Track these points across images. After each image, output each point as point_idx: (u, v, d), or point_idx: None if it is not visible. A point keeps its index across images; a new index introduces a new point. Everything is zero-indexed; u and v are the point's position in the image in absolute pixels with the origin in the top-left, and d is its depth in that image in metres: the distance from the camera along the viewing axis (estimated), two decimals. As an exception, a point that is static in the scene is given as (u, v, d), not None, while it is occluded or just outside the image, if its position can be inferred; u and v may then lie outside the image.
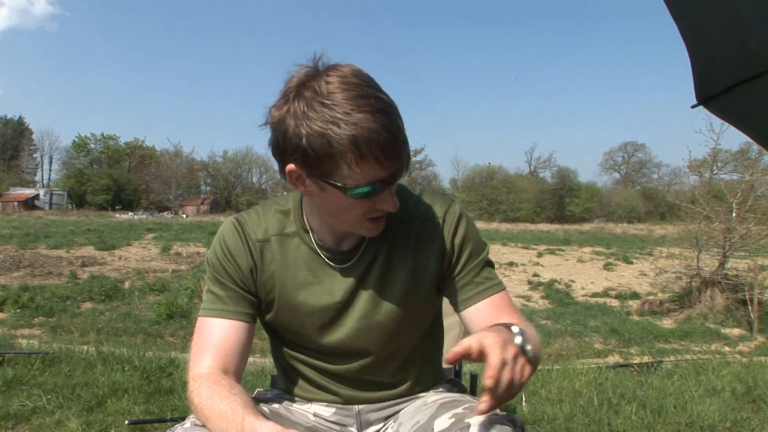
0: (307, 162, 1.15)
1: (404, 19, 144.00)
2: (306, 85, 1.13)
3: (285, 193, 1.49)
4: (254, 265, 1.36)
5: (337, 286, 1.36)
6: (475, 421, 1.20)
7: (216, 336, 1.31)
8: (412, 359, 1.48)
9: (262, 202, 1.49)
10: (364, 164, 1.11)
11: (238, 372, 1.32)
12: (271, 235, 1.38)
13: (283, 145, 1.16)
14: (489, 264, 1.42)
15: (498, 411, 1.29)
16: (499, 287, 1.39)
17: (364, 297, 1.37)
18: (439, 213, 1.39)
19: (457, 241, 1.38)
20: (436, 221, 1.38)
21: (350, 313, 1.37)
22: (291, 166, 1.19)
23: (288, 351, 1.46)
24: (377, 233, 1.30)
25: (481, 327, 1.31)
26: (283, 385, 1.54)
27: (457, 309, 1.41)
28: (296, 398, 1.49)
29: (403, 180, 1.40)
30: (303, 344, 1.43)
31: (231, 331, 1.32)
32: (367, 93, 1.11)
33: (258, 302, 1.39)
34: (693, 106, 1.47)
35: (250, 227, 1.38)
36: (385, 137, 1.10)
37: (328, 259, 1.36)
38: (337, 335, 1.38)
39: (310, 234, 1.37)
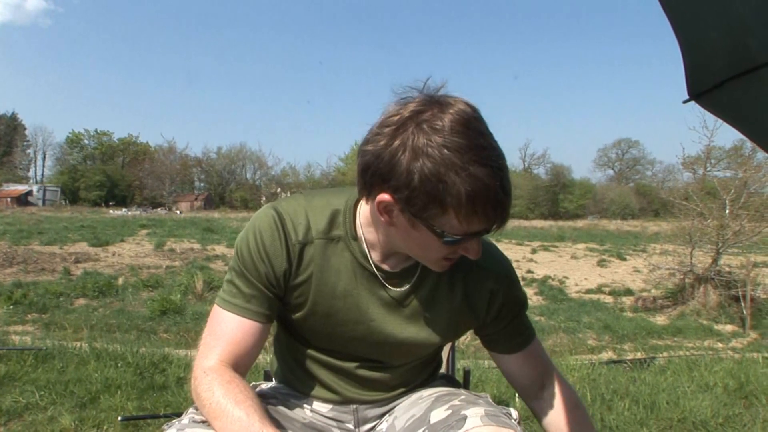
0: (411, 200, 1.08)
1: (401, 16, 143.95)
2: (423, 118, 1.07)
3: (289, 193, 1.45)
4: (289, 268, 1.28)
5: (375, 302, 1.33)
6: (472, 413, 1.20)
7: (231, 332, 1.27)
8: (419, 367, 1.51)
9: (308, 192, 1.38)
10: (472, 218, 1.08)
11: (247, 370, 1.30)
12: (315, 237, 1.29)
13: (387, 175, 1.09)
14: (526, 310, 1.47)
15: (494, 404, 1.30)
16: (533, 333, 1.47)
17: (399, 319, 1.35)
18: (492, 263, 1.39)
19: (511, 296, 1.41)
20: (490, 271, 1.38)
21: (381, 331, 1.35)
22: (386, 197, 1.12)
23: (300, 347, 1.44)
24: (443, 270, 1.27)
25: (524, 379, 1.46)
26: (283, 379, 1.53)
27: (494, 351, 1.47)
28: (294, 394, 1.48)
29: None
30: (320, 345, 1.41)
31: (249, 331, 1.27)
32: (488, 143, 1.07)
33: (283, 303, 1.34)
34: (685, 102, 1.46)
35: (290, 225, 1.28)
36: (501, 197, 1.07)
37: (372, 274, 1.31)
38: (362, 346, 1.38)
39: (360, 243, 1.31)
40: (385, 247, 1.29)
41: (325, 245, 1.29)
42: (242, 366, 1.27)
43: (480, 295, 1.38)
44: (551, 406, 1.44)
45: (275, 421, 1.21)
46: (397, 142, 1.07)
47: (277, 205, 1.32)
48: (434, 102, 1.09)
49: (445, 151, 1.03)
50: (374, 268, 1.30)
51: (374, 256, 1.31)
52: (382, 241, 1.28)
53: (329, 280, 1.30)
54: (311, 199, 1.34)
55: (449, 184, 1.03)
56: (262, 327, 1.30)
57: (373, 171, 1.11)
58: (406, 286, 1.33)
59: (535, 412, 1.48)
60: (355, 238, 1.30)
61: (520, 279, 1.46)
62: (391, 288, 1.32)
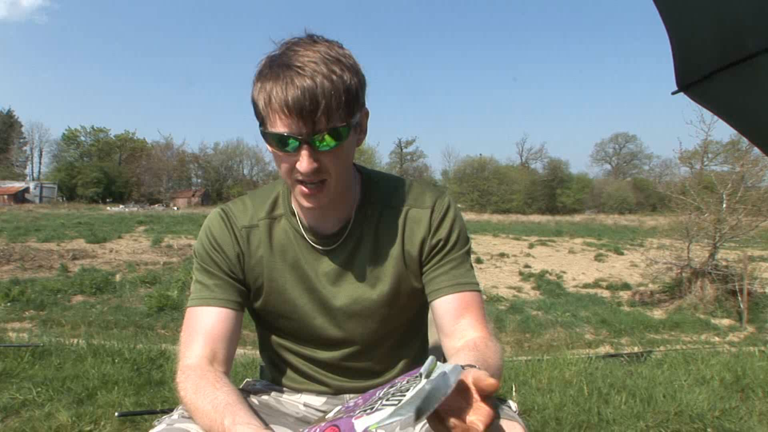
0: (254, 115, 1.23)
1: (398, 11, 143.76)
2: (272, 56, 1.21)
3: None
4: (241, 252, 1.36)
5: (323, 269, 1.37)
6: None
7: (204, 324, 1.31)
8: (398, 348, 1.48)
9: (250, 192, 1.49)
10: (275, 116, 1.16)
11: (228, 360, 1.31)
12: (259, 219, 1.38)
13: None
14: (467, 261, 1.40)
15: (493, 397, 1.29)
16: (473, 287, 1.37)
17: (350, 281, 1.37)
18: (428, 202, 1.39)
19: (442, 232, 1.38)
20: (424, 210, 1.38)
21: (337, 298, 1.37)
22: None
23: (277, 340, 1.46)
24: (311, 205, 1.27)
25: (446, 320, 1.34)
26: (272, 376, 1.53)
27: (428, 298, 1.39)
28: (285, 389, 1.49)
29: (395, 171, 1.41)
30: (291, 332, 1.42)
31: (219, 318, 1.31)
32: (310, 59, 1.15)
33: (247, 290, 1.38)
34: (673, 93, 1.47)
35: (235, 215, 1.39)
36: (293, 94, 1.13)
37: (314, 242, 1.37)
38: (324, 320, 1.38)
39: (297, 217, 1.38)
40: (306, 211, 1.36)
41: (268, 225, 1.39)
42: (220, 355, 1.30)
43: (420, 232, 1.38)
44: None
45: (256, 414, 1.21)
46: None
47: (222, 205, 1.45)
48: (288, 42, 1.23)
49: (269, 69, 1.18)
50: (314, 237, 1.37)
51: (312, 224, 1.38)
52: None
53: (277, 257, 1.38)
54: (254, 193, 1.47)
55: (263, 90, 1.17)
56: (233, 314, 1.34)
57: None
58: (347, 247, 1.37)
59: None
60: (294, 213, 1.39)
61: (464, 224, 1.43)
62: (334, 251, 1.37)
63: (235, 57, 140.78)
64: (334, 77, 1.15)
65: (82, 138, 79.36)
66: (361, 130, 1.30)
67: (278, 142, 1.18)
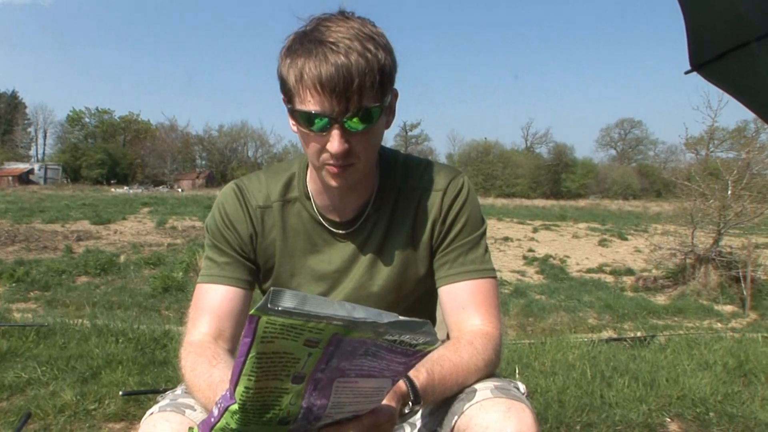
0: (282, 91, 1.20)
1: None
2: (302, 31, 1.18)
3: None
4: (254, 232, 1.36)
5: (336, 254, 1.36)
6: (482, 386, 1.19)
7: (212, 301, 1.32)
8: None
9: (266, 167, 1.49)
10: (307, 93, 1.13)
11: (234, 337, 1.32)
12: (273, 201, 1.37)
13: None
14: (479, 246, 1.38)
15: (502, 378, 1.28)
16: (481, 274, 1.35)
17: (361, 267, 1.36)
18: (441, 184, 1.37)
19: (451, 213, 1.36)
20: (437, 193, 1.36)
21: (347, 283, 1.37)
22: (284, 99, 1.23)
23: None
24: (338, 184, 1.23)
25: (446, 309, 1.35)
26: None
27: (436, 285, 1.39)
28: None
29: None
30: None
31: (227, 296, 1.32)
32: (344, 35, 1.12)
33: (257, 269, 1.38)
34: (686, 72, 1.45)
35: (250, 193, 1.37)
36: (327, 71, 1.09)
37: (328, 227, 1.36)
38: None
39: (311, 201, 1.36)
40: (327, 194, 1.34)
41: (282, 208, 1.37)
42: (226, 333, 1.30)
43: (431, 215, 1.36)
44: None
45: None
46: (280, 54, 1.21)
47: (237, 180, 1.43)
48: (319, 18, 1.19)
49: (299, 44, 1.15)
50: (328, 222, 1.36)
51: (328, 209, 1.36)
52: (320, 188, 1.34)
53: (290, 240, 1.37)
54: (270, 169, 1.44)
55: (292, 66, 1.14)
56: (242, 293, 1.34)
57: None
58: (362, 233, 1.36)
59: None
60: (309, 197, 1.36)
61: (480, 208, 1.40)
62: (348, 237, 1.36)
63: (240, 39, 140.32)
64: (369, 55, 1.12)
65: (87, 119, 79.41)
66: (391, 111, 1.27)
67: (307, 120, 1.15)
